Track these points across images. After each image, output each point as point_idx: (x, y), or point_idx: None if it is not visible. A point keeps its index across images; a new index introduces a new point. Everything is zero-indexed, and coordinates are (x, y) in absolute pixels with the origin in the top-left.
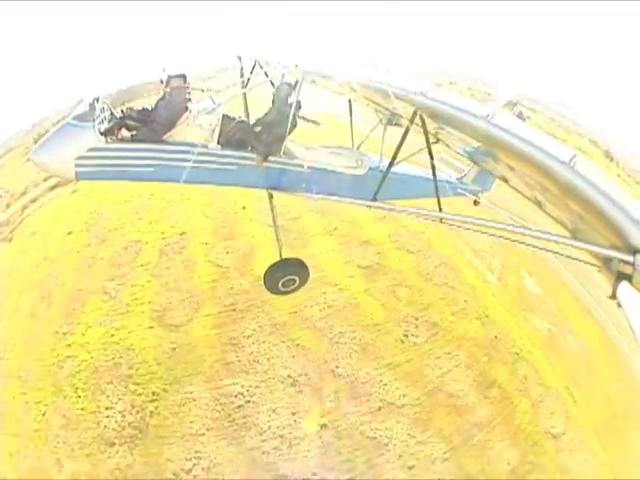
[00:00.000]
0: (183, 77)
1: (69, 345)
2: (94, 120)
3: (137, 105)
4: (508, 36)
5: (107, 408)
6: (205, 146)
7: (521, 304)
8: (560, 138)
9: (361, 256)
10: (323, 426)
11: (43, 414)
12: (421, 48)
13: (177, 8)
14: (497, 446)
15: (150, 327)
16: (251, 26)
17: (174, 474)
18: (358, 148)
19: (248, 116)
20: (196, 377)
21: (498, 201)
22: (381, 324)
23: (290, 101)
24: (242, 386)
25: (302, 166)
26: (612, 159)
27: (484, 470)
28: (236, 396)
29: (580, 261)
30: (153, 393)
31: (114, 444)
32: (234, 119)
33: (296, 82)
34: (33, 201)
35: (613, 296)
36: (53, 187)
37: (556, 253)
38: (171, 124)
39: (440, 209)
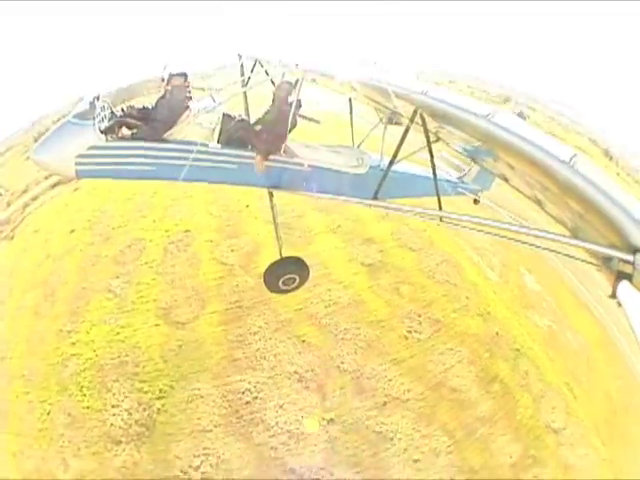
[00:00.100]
0: (184, 76)
1: (73, 343)
2: (94, 118)
3: (137, 103)
4: (508, 35)
5: (113, 406)
6: (205, 145)
7: (522, 301)
8: (559, 137)
9: (364, 254)
10: (330, 421)
11: (48, 413)
12: (420, 47)
13: (178, 8)
14: (499, 440)
15: (156, 325)
16: (251, 25)
17: (182, 471)
18: (359, 147)
19: (248, 115)
20: (203, 374)
21: (498, 200)
22: (385, 321)
23: (290, 100)
24: (249, 382)
25: (302, 165)
26: (611, 158)
27: (487, 463)
28: (243, 392)
29: (580, 260)
30: (160, 390)
31: (121, 442)
32: (234, 118)
33: (296, 81)
34: (34, 199)
35: (613, 295)
36: (54, 185)
37: (556, 252)
38: (171, 122)
39: (440, 208)
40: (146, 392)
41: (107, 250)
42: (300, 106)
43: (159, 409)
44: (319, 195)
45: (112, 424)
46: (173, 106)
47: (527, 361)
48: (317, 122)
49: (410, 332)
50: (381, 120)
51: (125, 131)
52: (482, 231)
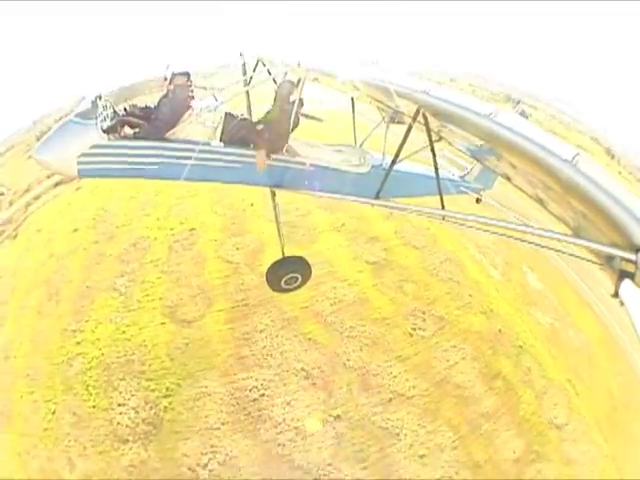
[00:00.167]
0: (186, 75)
1: (79, 342)
2: (96, 117)
3: (140, 102)
4: (510, 34)
5: (120, 405)
6: (208, 144)
7: (524, 299)
8: (561, 135)
9: (369, 252)
10: (336, 417)
11: (53, 412)
12: (421, 46)
13: (179, 7)
14: (503, 435)
15: (162, 323)
16: (252, 25)
17: (190, 469)
18: (361, 146)
19: (251, 114)
20: (210, 372)
21: (501, 199)
22: (390, 318)
23: (292, 99)
24: (256, 380)
25: (305, 164)
26: (613, 157)
27: (491, 458)
28: (251, 390)
29: (582, 259)
30: (167, 389)
31: (128, 441)
32: (237, 117)
33: (298, 80)
34: (37, 198)
35: (615, 294)
36: (57, 184)
37: (558, 251)
38: (174, 122)
39: (443, 207)
40: (153, 390)
41: (111, 249)
42: (302, 105)
43: (166, 407)
44: (321, 194)
45: (119, 423)
46: (175, 105)
47: (530, 358)
48: (320, 120)
49: (414, 329)
50: (383, 119)
51: (127, 130)
52: (485, 230)
